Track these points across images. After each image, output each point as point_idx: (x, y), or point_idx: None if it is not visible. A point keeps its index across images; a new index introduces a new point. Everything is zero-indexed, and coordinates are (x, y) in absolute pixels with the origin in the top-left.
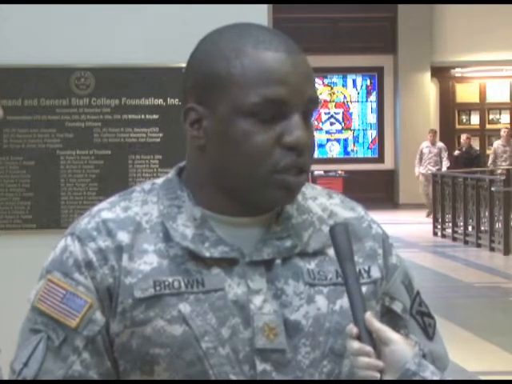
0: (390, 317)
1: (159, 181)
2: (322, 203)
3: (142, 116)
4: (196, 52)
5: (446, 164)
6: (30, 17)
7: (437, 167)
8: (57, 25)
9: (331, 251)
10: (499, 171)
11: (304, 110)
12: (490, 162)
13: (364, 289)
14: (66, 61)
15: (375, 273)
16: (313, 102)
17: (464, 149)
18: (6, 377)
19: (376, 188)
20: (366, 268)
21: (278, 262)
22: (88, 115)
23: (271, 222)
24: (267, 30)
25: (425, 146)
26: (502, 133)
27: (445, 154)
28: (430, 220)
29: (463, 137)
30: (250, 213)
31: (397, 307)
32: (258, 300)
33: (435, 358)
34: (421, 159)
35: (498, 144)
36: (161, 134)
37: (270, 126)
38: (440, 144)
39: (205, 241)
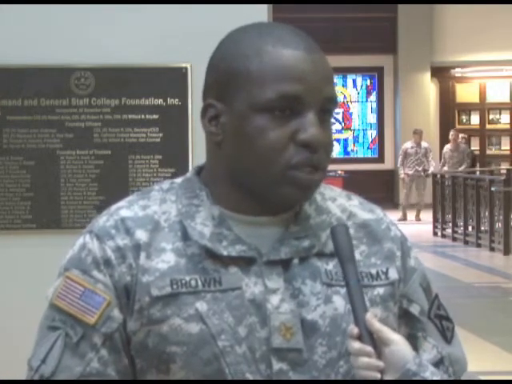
0: (407, 319)
1: (178, 180)
2: (341, 204)
3: (142, 116)
4: (217, 50)
5: (433, 164)
6: (30, 17)
7: (422, 167)
8: (57, 25)
9: None
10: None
11: (320, 108)
12: (440, 166)
13: (381, 290)
14: (66, 61)
15: (393, 274)
16: (330, 102)
17: None
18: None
19: (376, 188)
20: (384, 269)
21: (296, 261)
22: (88, 115)
23: (289, 221)
24: (289, 29)
25: (409, 146)
26: (450, 136)
27: (430, 155)
28: (430, 220)
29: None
30: (268, 212)
31: (414, 310)
32: (274, 299)
33: (453, 361)
34: (404, 160)
35: (446, 148)
36: (161, 134)
37: (285, 122)
38: (425, 144)
39: (223, 239)
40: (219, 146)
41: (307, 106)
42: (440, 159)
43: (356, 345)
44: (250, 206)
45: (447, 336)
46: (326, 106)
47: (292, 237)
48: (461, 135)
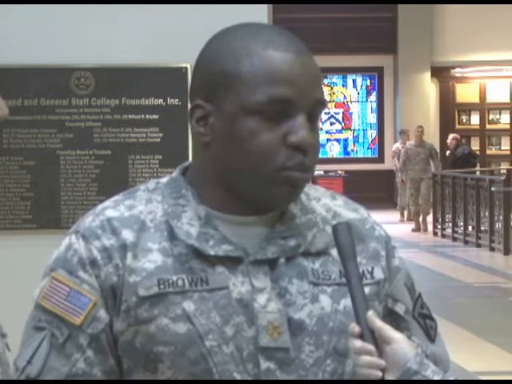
0: (392, 318)
1: (163, 180)
2: (325, 204)
3: (142, 116)
4: (205, 50)
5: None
6: (30, 17)
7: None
8: (57, 25)
9: (335, 252)
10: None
11: (310, 111)
12: (400, 164)
13: (367, 289)
14: (66, 61)
15: (378, 274)
16: (319, 104)
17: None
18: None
19: (376, 188)
20: (370, 269)
21: (282, 261)
22: (88, 115)
23: (275, 221)
24: (277, 30)
25: (400, 147)
26: (417, 132)
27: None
28: (430, 220)
29: (450, 137)
30: (254, 212)
31: (399, 309)
32: (262, 299)
33: (437, 360)
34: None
35: (410, 145)
36: (161, 134)
37: (276, 125)
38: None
39: (209, 239)
40: (207, 147)
41: (298, 108)
42: (398, 158)
43: (357, 343)
44: (237, 206)
45: (431, 335)
46: (315, 108)
47: (278, 236)
48: (453, 135)
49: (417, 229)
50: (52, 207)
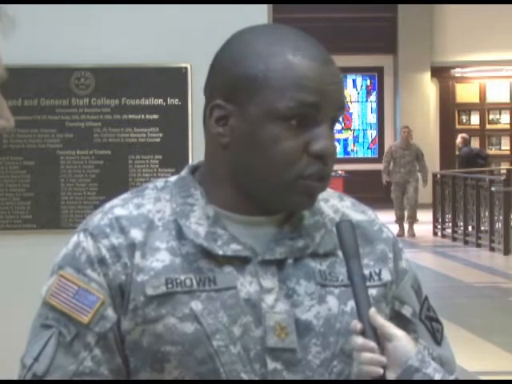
0: (399, 320)
1: (172, 179)
2: (333, 205)
3: (142, 116)
4: (227, 50)
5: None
6: (30, 17)
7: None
8: (57, 25)
9: None
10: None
11: (333, 116)
12: (384, 166)
13: (374, 291)
14: (66, 61)
15: (386, 276)
16: (341, 113)
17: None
18: None
19: (376, 188)
20: (377, 271)
21: (290, 261)
22: (88, 115)
23: (284, 221)
24: (301, 35)
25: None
26: (402, 133)
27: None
28: (430, 220)
29: (458, 137)
30: (263, 212)
31: (406, 311)
32: (269, 299)
33: (444, 362)
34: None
35: (395, 147)
36: (161, 134)
37: (299, 133)
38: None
39: (217, 239)
40: (225, 148)
41: (323, 116)
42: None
43: (359, 340)
44: (247, 206)
45: (437, 337)
46: (338, 114)
47: (286, 237)
48: (461, 135)
49: (400, 234)
50: (52, 207)
